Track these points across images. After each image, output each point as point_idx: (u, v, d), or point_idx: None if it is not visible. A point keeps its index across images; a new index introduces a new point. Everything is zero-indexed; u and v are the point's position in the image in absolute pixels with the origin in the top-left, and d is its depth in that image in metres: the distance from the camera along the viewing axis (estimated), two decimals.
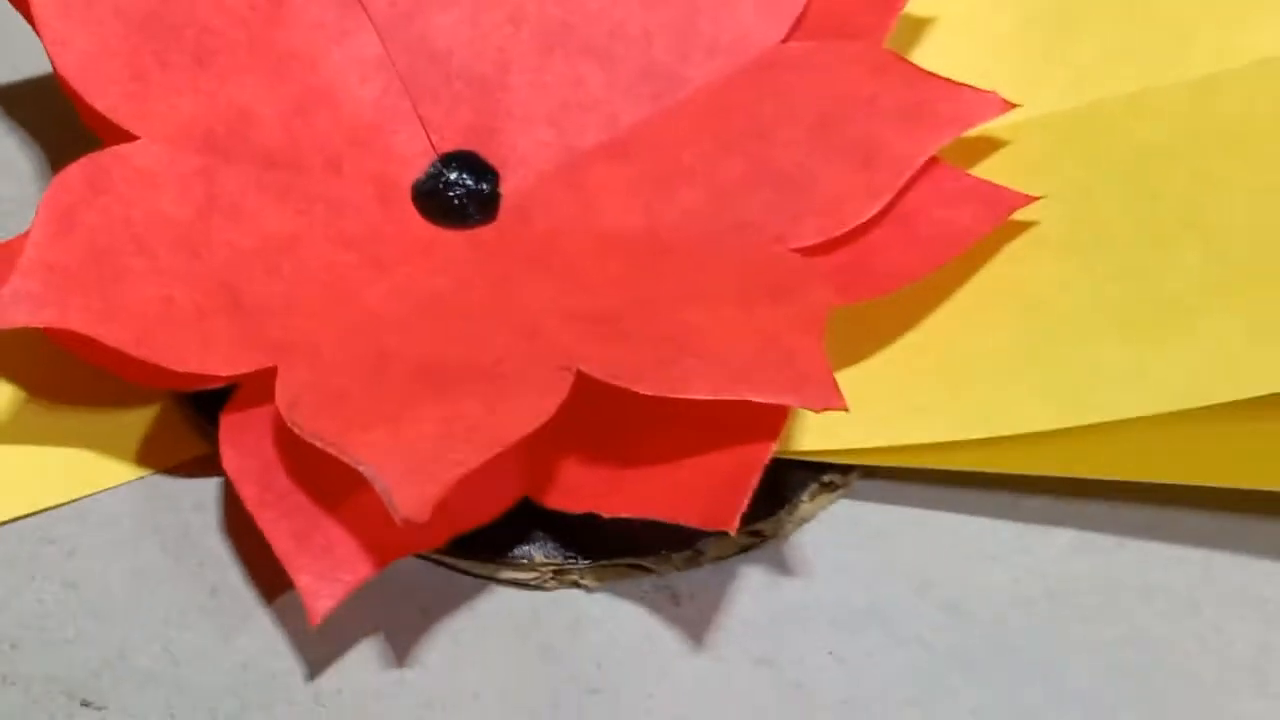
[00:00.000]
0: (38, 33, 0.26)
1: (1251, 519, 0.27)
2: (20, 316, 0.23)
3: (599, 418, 0.25)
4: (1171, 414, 0.24)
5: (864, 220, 0.26)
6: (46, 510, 0.26)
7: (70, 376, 0.26)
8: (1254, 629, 0.26)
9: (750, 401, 0.23)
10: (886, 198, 0.26)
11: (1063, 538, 0.26)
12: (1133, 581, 0.26)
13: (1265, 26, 0.28)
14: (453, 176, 0.27)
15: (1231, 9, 0.29)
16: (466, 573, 0.26)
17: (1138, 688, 0.25)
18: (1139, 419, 0.25)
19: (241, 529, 0.26)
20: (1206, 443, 0.25)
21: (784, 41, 0.28)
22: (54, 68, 0.26)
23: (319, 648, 0.25)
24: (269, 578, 0.25)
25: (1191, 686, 0.25)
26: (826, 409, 0.23)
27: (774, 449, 0.24)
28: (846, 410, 0.23)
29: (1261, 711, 0.25)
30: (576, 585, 0.26)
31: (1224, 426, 0.25)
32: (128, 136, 0.26)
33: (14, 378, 0.27)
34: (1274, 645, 0.26)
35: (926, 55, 0.29)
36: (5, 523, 0.26)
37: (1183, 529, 0.27)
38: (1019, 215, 0.26)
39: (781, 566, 0.26)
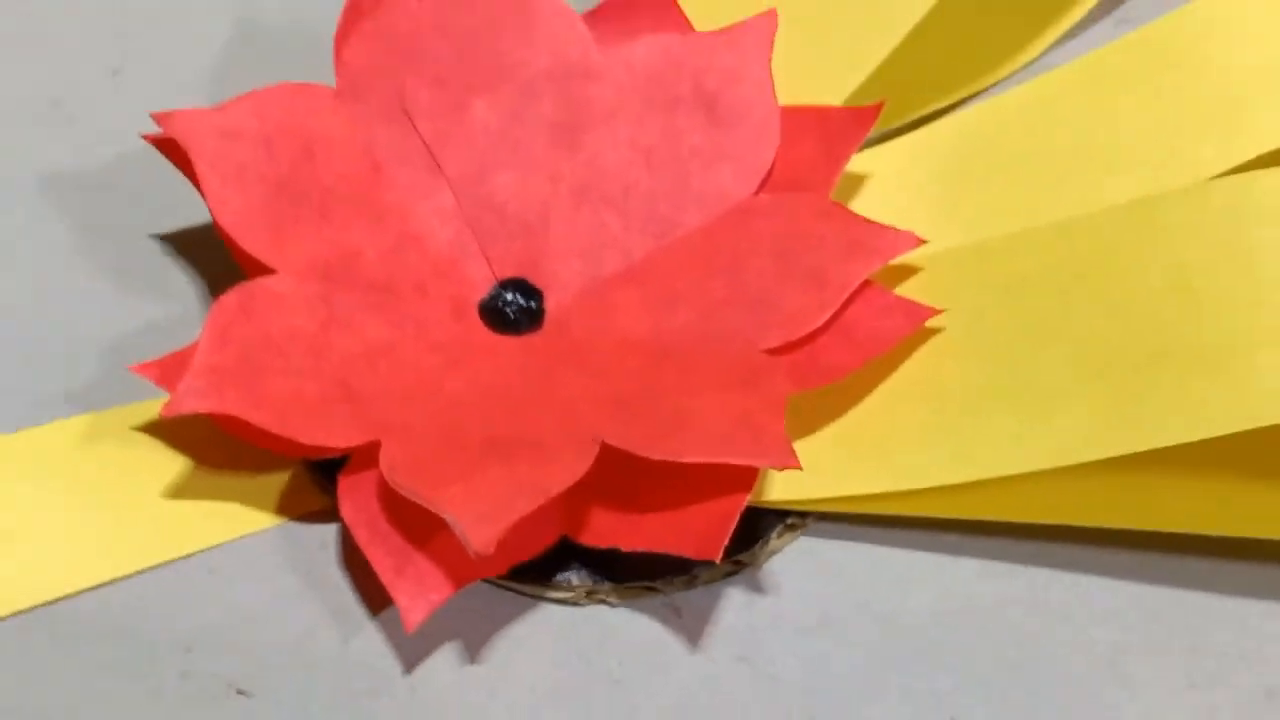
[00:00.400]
0: (202, 194, 0.27)
1: (1106, 550, 0.27)
2: (191, 404, 0.24)
3: (618, 476, 0.25)
4: (1046, 470, 0.25)
5: (814, 328, 0.26)
6: (211, 548, 0.26)
7: (228, 449, 0.26)
8: (1111, 633, 0.26)
9: (730, 464, 0.24)
10: (831, 311, 0.26)
11: (970, 565, 0.26)
12: (1021, 598, 0.26)
13: (1116, 180, 0.28)
14: (509, 297, 0.27)
15: (1090, 166, 0.29)
16: (522, 593, 0.26)
17: (1024, 678, 0.25)
18: (1022, 475, 0.25)
19: (354, 562, 0.26)
20: (1073, 492, 0.26)
21: (755, 194, 0.28)
22: (214, 219, 0.26)
23: (412, 650, 0.25)
24: (376, 598, 0.25)
25: (1064, 676, 0.26)
26: (786, 468, 0.24)
27: (749, 499, 0.24)
28: (801, 469, 0.24)
29: (1117, 696, 0.25)
30: (603, 603, 0.26)
31: (1086, 480, 0.25)
32: (268, 270, 0.26)
33: (187, 450, 0.27)
34: (1126, 644, 0.26)
35: (862, 203, 0.29)
36: (181, 558, 0.26)
37: (1058, 558, 0.27)
38: (930, 324, 0.26)
39: (757, 588, 0.26)
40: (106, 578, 0.25)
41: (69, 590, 0.25)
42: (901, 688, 0.25)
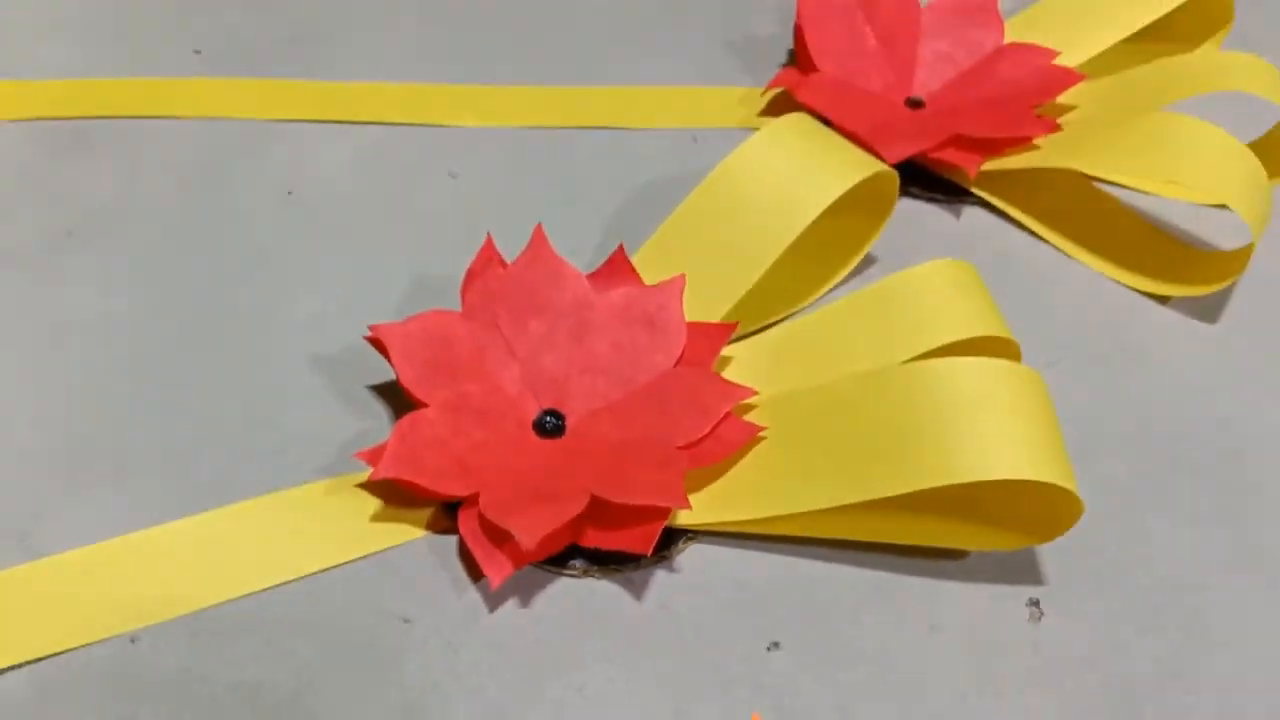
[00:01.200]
0: (392, 367, 0.27)
1: (850, 550, 0.27)
2: (385, 474, 0.25)
3: (599, 511, 0.25)
4: (821, 509, 0.25)
5: (700, 436, 0.26)
6: (392, 547, 0.26)
7: (402, 496, 0.27)
8: (854, 594, 0.26)
9: (656, 505, 0.25)
10: (710, 427, 0.26)
11: (781, 558, 0.27)
12: (809, 574, 0.27)
13: (856, 362, 0.27)
14: (548, 419, 0.27)
15: (843, 353, 0.28)
16: (550, 571, 0.26)
17: (807, 618, 0.26)
18: (809, 511, 0.25)
19: (465, 553, 0.26)
20: (833, 519, 0.26)
21: (672, 368, 0.28)
22: (398, 379, 0.27)
23: (494, 600, 0.26)
24: (475, 572, 0.26)
25: (828, 618, 0.26)
26: (683, 508, 0.25)
27: (666, 522, 0.25)
28: (691, 509, 0.25)
29: (856, 632, 0.26)
30: (593, 577, 0.26)
31: (839, 514, 0.26)
32: (424, 405, 0.27)
33: (382, 496, 0.27)
34: (859, 601, 0.26)
35: (727, 372, 0.29)
36: (377, 551, 0.26)
37: (828, 554, 0.27)
38: (761, 435, 0.27)
39: (672, 570, 0.27)
40: (340, 560, 0.26)
41: (318, 568, 0.26)
42: (744, 620, 0.26)
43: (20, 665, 0.24)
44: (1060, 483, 0.24)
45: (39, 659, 0.24)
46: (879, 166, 0.30)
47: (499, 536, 0.25)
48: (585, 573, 0.26)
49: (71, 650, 0.24)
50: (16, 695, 0.23)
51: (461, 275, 0.29)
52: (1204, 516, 0.28)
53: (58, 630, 0.24)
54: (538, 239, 0.29)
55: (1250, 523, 0.28)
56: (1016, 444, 0.24)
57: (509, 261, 0.29)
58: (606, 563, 0.26)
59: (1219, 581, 0.27)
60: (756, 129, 0.31)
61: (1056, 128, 0.34)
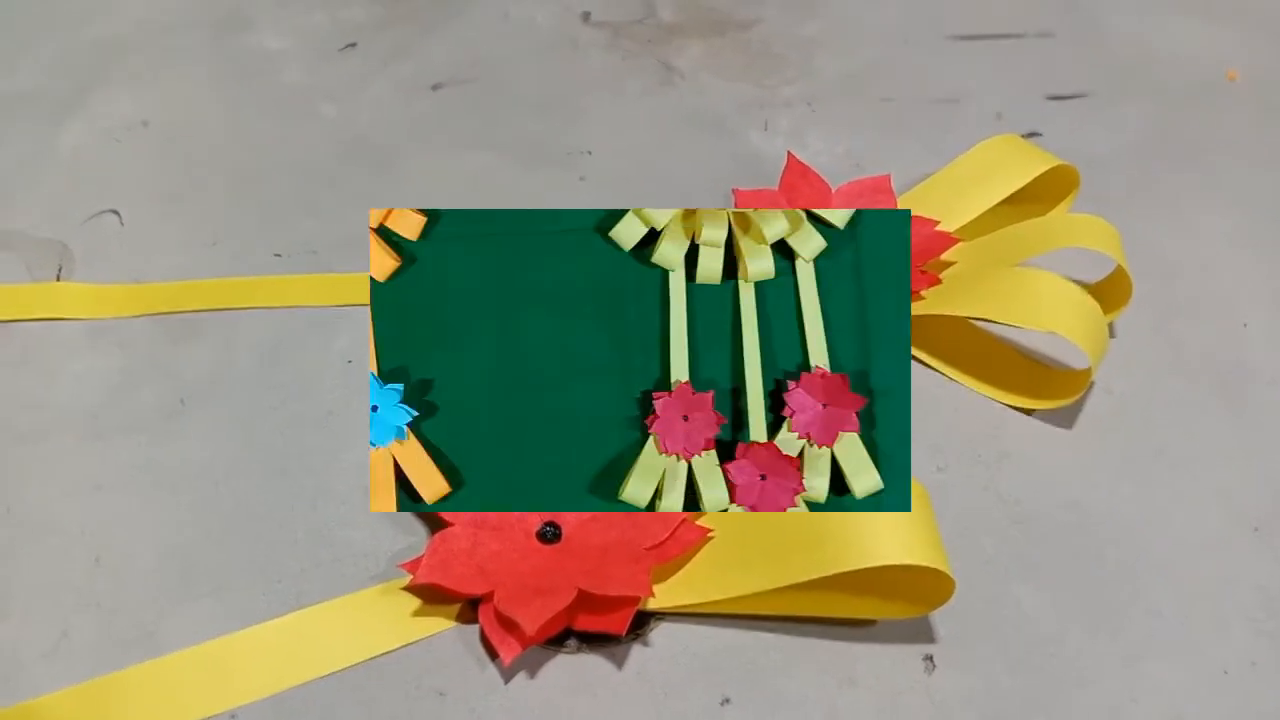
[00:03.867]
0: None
1: (783, 623, 0.28)
2: (423, 580, 0.27)
3: (586, 600, 0.27)
4: (761, 592, 0.26)
5: (663, 539, 0.27)
6: (432, 635, 0.28)
7: (437, 595, 0.27)
8: (781, 657, 0.28)
9: (628, 595, 0.26)
10: (670, 532, 0.28)
11: (731, 631, 0.28)
12: (750, 642, 0.28)
13: None
14: (548, 529, 0.28)
15: None
16: (550, 649, 0.28)
17: (745, 672, 0.27)
18: (748, 594, 0.27)
19: (484, 637, 0.28)
20: (768, 599, 0.27)
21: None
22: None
23: (508, 674, 0.27)
24: (492, 652, 0.27)
25: (762, 671, 0.27)
26: (648, 596, 0.27)
27: (637, 607, 0.27)
28: (654, 596, 0.27)
29: (785, 682, 0.27)
30: (584, 652, 0.28)
31: (773, 595, 0.27)
32: (450, 524, 0.28)
33: (422, 596, 0.27)
34: (784, 662, 0.27)
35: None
36: (421, 639, 0.28)
37: (766, 626, 0.28)
38: (710, 535, 0.27)
39: (645, 644, 0.28)
40: (390, 647, 0.28)
41: (374, 654, 0.28)
42: (702, 681, 0.27)
43: None
44: (935, 566, 0.26)
45: None
46: None
47: (510, 624, 0.27)
48: (578, 649, 0.28)
49: None
50: None
51: None
52: (1059, 581, 0.30)
53: (178, 708, 0.26)
54: None
55: (1095, 584, 0.29)
56: (900, 538, 0.26)
57: None
58: (594, 641, 0.27)
59: (1071, 633, 0.28)
60: None
61: (937, 281, 0.35)
